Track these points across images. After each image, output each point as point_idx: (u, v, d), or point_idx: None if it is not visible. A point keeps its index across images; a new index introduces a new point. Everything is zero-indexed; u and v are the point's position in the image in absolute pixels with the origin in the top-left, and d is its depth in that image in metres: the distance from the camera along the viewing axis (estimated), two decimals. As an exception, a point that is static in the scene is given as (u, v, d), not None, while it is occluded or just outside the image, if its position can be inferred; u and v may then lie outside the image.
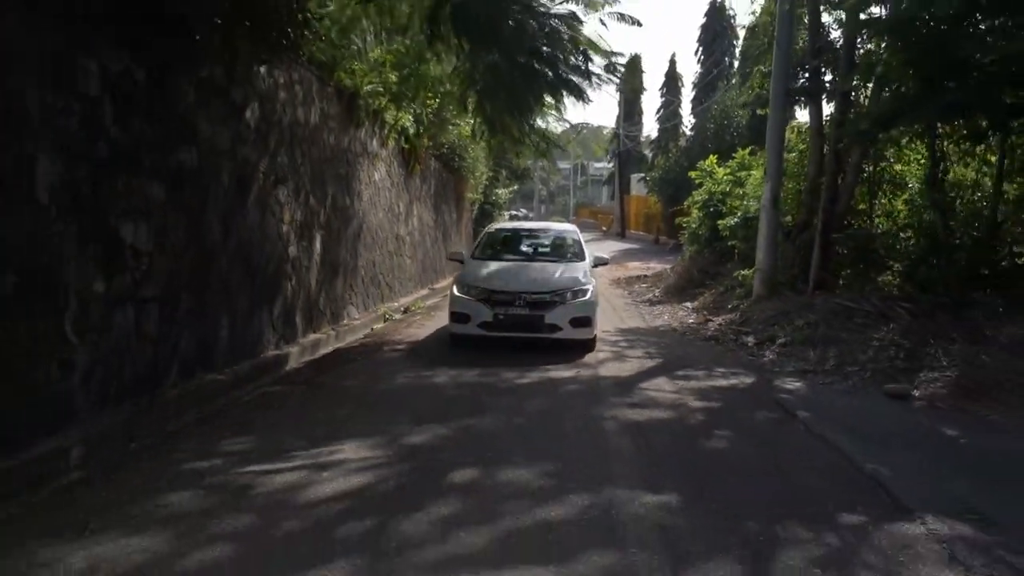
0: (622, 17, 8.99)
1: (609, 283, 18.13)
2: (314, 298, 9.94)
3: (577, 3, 8.31)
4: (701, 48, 37.84)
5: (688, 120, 38.94)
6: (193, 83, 6.88)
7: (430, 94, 14.68)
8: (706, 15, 37.68)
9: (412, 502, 3.94)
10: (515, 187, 35.87)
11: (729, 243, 14.31)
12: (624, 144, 40.40)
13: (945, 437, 5.68)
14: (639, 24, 9.00)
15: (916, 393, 7.04)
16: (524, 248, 10.96)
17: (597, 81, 8.73)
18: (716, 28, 36.41)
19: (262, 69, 8.38)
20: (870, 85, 10.30)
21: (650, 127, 50.86)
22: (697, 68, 38.90)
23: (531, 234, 11.64)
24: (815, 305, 10.17)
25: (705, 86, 33.58)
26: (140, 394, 5.96)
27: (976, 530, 3.79)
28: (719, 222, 14.70)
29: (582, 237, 11.13)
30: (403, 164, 15.69)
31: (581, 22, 8.42)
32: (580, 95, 8.79)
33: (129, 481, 4.44)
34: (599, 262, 10.36)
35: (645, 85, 45.76)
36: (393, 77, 12.67)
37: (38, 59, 4.98)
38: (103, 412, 5.48)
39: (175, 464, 4.65)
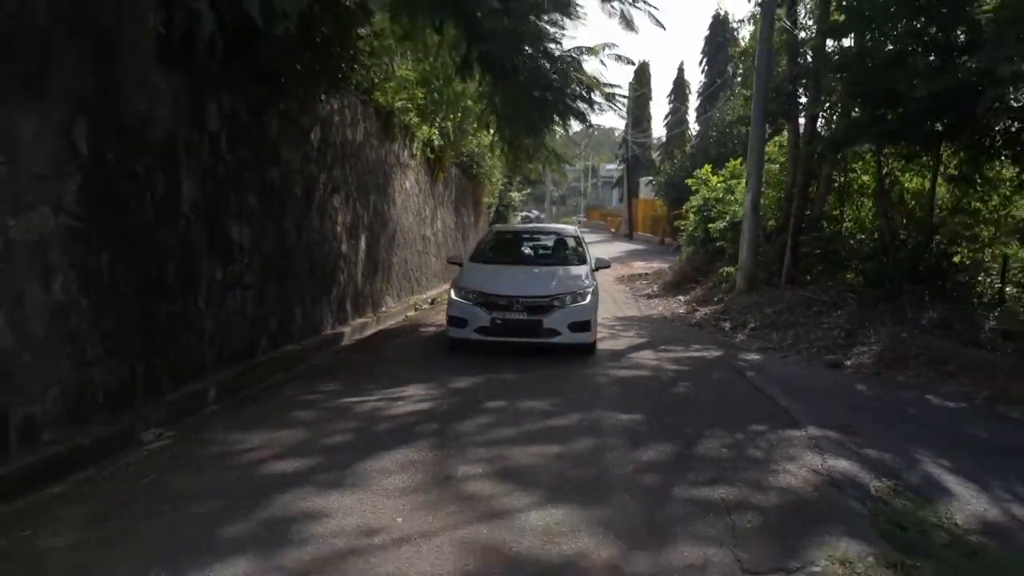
0: (619, 58, 10.92)
1: (614, 280, 19.97)
2: (360, 289, 11.86)
3: (580, 51, 10.16)
4: (705, 59, 39.55)
5: (695, 127, 40.56)
6: (276, 116, 8.79)
7: (452, 110, 16.56)
8: (709, 27, 39.42)
9: (461, 416, 5.83)
10: (528, 191, 37.75)
11: (718, 244, 16.13)
12: (632, 150, 42.09)
13: (854, 390, 7.52)
14: (632, 63, 10.91)
15: (848, 363, 8.87)
16: (524, 251, 10.83)
17: (599, 108, 10.60)
18: (719, 40, 38.14)
19: (322, 98, 10.28)
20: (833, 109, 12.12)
21: (660, 131, 52.55)
22: (701, 78, 40.60)
23: (532, 237, 11.51)
24: (783, 297, 12.00)
25: (709, 95, 35.28)
26: (243, 359, 7.87)
27: (839, 435, 5.62)
28: (710, 225, 16.53)
29: (584, 239, 11.06)
30: (429, 172, 17.61)
31: (583, 60, 10.30)
32: (583, 120, 10.69)
33: (257, 409, 6.36)
34: (600, 265, 10.23)
35: (655, 91, 47.56)
36: (420, 93, 14.55)
37: (182, 107, 6.89)
38: (220, 370, 7.38)
39: (288, 399, 6.57)
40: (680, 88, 46.31)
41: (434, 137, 16.61)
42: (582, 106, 10.53)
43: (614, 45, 13.28)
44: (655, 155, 47.57)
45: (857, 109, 10.21)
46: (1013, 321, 9.02)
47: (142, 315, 6.14)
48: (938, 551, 3.66)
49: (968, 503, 4.49)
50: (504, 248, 10.86)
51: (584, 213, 69.95)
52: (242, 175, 7.97)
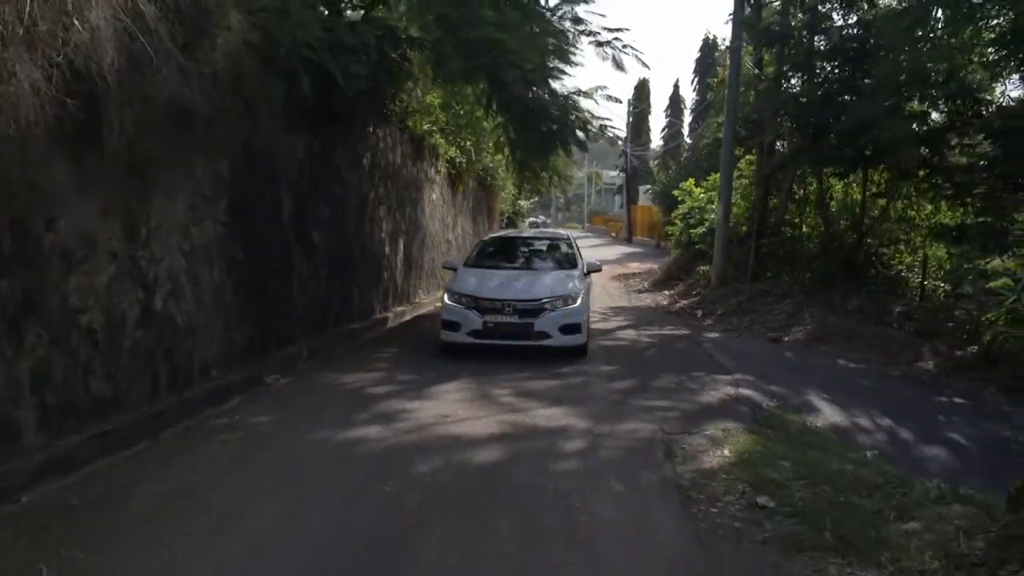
0: (609, 98, 13.26)
1: (611, 278, 22.16)
2: (398, 283, 14.09)
3: (578, 93, 12.42)
4: (696, 79, 41.72)
5: (690, 140, 42.72)
6: (340, 147, 11.00)
7: (471, 131, 18.78)
8: (700, 50, 41.61)
9: (490, 364, 8.07)
10: (535, 199, 40.02)
11: (697, 247, 18.32)
12: (631, 161, 44.26)
13: (782, 356, 9.71)
14: (619, 102, 13.19)
15: (786, 339, 11.05)
16: (516, 256, 10.92)
17: (594, 137, 12.83)
18: (708, 62, 40.33)
19: (372, 130, 12.49)
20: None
21: (660, 142, 54.66)
22: (694, 96, 42.77)
23: (525, 242, 11.64)
24: (746, 290, 14.17)
25: (700, 112, 37.43)
26: (319, 331, 10.07)
27: (755, 379, 7.80)
28: (691, 231, 18.73)
29: (576, 244, 11.34)
30: (451, 185, 19.85)
31: (580, 100, 12.54)
32: (582, 147, 12.92)
33: (342, 363, 8.57)
34: (592, 268, 10.53)
35: (655, 103, 49.73)
36: (443, 116, 16.72)
37: (283, 143, 9.10)
38: (305, 338, 9.58)
39: (363, 357, 8.80)
40: (676, 104, 48.48)
41: (455, 155, 18.86)
42: (580, 135, 12.74)
43: (605, 87, 15.49)
44: (653, 164, 49.76)
45: (796, 138, 12.40)
46: (914, 308, 11.21)
47: (260, 294, 8.37)
48: (787, 431, 5.81)
49: (826, 415, 6.66)
50: (497, 254, 10.94)
51: (587, 218, 71.93)
52: (317, 192, 10.20)
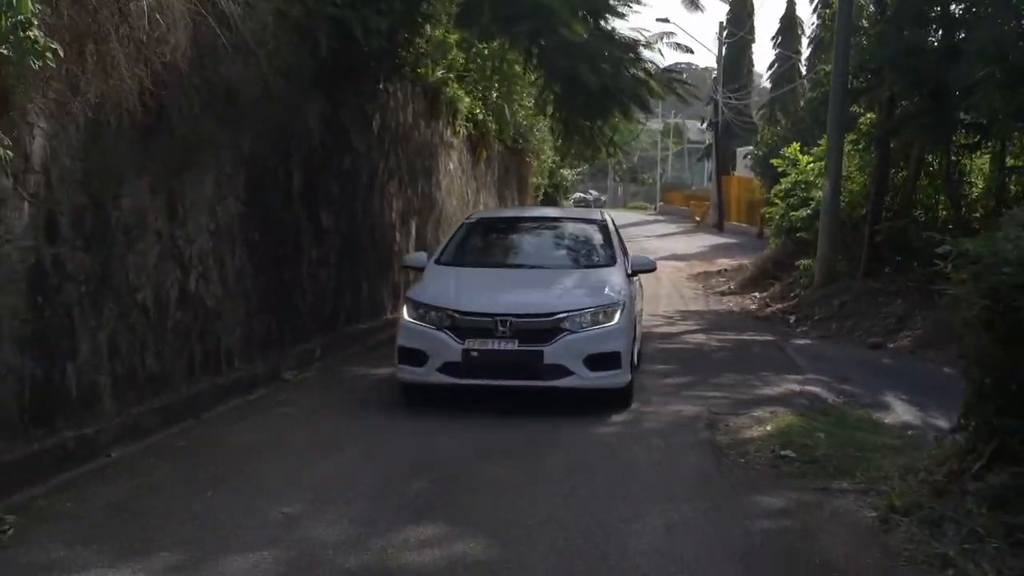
0: (678, 46, 16.22)
1: (686, 277, 25.19)
2: (410, 274, 17.23)
3: (638, 44, 15.46)
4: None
5: (808, 83, 45.16)
6: (349, 108, 14.09)
7: (498, 77, 21.83)
8: (826, -46, 44.19)
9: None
10: (583, 167, 43.03)
11: (799, 235, 21.22)
12: (723, 113, 46.96)
13: (876, 361, 12.62)
14: (690, 51, 16.20)
15: (890, 345, 13.97)
16: (518, 248, 11.30)
17: (663, 91, 15.85)
18: (836, -29, 42.95)
19: (382, 86, 15.58)
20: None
21: (765, 84, 57.38)
22: (814, 19, 45.41)
23: (532, 227, 12.09)
24: (854, 289, 17.10)
25: (821, 43, 39.91)
26: (330, 329, 13.17)
27: (829, 379, 10.71)
28: (792, 214, 21.64)
29: (615, 229, 11.60)
30: (471, 150, 22.98)
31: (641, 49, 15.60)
32: (643, 107, 15.94)
33: (358, 359, 11.67)
34: (641, 267, 10.81)
35: (758, 31, 52.28)
36: (460, 58, 19.57)
37: (292, 110, 12.17)
38: (317, 335, 12.66)
39: (380, 355, 11.85)
40: (789, 29, 51.11)
41: (477, 110, 21.96)
42: (645, 90, 15.77)
43: (672, 34, 18.29)
44: (757, 116, 52.34)
45: (914, 96, 15.36)
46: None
47: (276, 280, 11.47)
48: (841, 418, 8.70)
49: (898, 413, 9.55)
50: (487, 243, 11.45)
51: (660, 195, 74.71)
52: (327, 164, 13.30)
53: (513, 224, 12.20)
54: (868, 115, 20.60)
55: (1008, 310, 5.18)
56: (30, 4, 5.06)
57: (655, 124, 76.79)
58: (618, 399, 9.12)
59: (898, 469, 6.14)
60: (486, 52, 19.81)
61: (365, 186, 14.89)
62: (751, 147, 44.12)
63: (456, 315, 9.02)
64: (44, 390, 7.16)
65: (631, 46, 15.58)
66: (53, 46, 5.53)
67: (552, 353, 8.77)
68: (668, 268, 27.61)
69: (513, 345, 8.81)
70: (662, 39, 17.06)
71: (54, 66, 5.99)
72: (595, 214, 13.22)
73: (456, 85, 20.09)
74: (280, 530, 5.56)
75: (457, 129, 21.18)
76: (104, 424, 7.74)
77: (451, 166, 20.90)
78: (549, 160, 32.35)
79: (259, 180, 11.04)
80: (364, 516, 5.82)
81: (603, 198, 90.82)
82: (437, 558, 5.19)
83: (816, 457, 6.95)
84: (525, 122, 26.65)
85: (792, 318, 16.89)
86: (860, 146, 19.99)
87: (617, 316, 9.13)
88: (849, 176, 20.29)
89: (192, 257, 9.53)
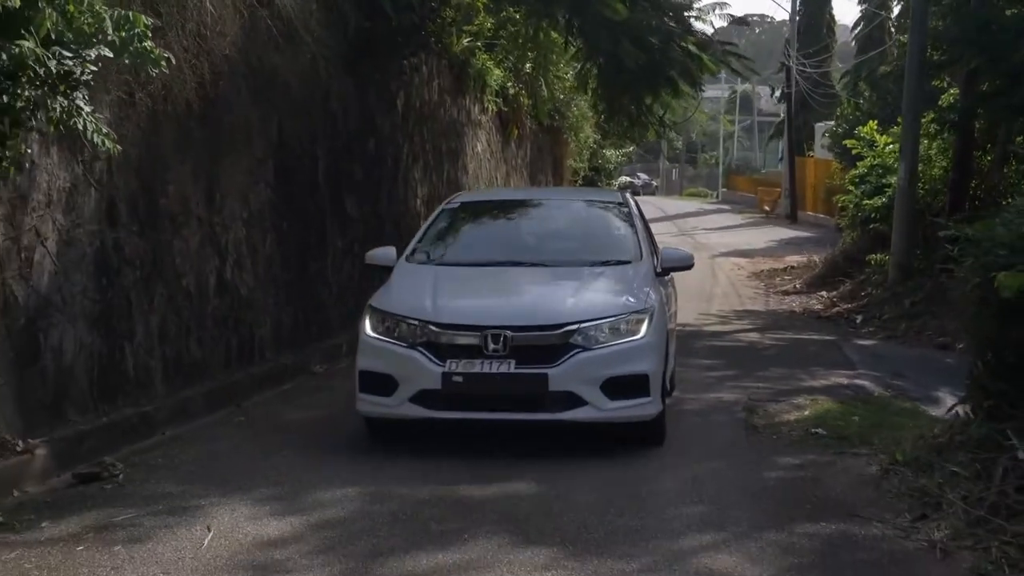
0: (733, 18, 18.43)
1: (748, 276, 27.40)
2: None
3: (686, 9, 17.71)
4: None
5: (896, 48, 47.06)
6: (374, 87, 16.39)
7: (531, 46, 24.06)
8: None
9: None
10: (629, 148, 45.23)
11: (873, 226, 23.32)
12: (797, 83, 48.96)
13: (938, 360, 14.76)
14: (745, 23, 18.39)
15: (960, 346, 16.09)
16: (514, 240, 11.12)
17: (714, 65, 18.10)
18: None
19: (406, 60, 17.85)
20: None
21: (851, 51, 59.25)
22: (908, -31, 47.31)
23: (531, 213, 12.00)
24: (927, 287, 19.24)
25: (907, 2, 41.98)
26: (353, 325, 15.45)
27: (882, 375, 12.85)
28: (866, 202, 23.76)
29: (639, 213, 11.41)
30: (501, 130, 25.28)
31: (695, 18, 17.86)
32: (693, 84, 18.20)
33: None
34: (674, 263, 10.56)
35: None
36: (489, 23, 21.69)
37: (318, 92, 14.43)
38: (343, 332, 14.90)
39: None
40: (879, -20, 52.92)
41: (507, 82, 24.25)
42: (693, 68, 18.02)
43: (726, 4, 20.37)
44: (840, 86, 54.16)
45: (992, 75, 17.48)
46: None
47: (301, 271, 13.75)
48: (884, 406, 10.84)
49: (947, 405, 11.74)
50: (472, 235, 11.46)
51: (722, 179, 76.46)
52: (351, 148, 15.60)
53: (507, 209, 12.02)
54: (951, 91, 22.62)
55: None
56: (143, 19, 7.27)
57: (716, 91, 76.55)
58: (646, 436, 9.10)
59: (912, 436, 8.32)
60: (517, 16, 21.83)
61: (390, 171, 17.19)
62: (831, 122, 45.49)
63: (434, 328, 8.89)
64: (107, 368, 9.44)
65: (681, 17, 17.84)
66: (166, 55, 7.77)
67: (560, 377, 8.61)
68: (728, 265, 29.93)
69: (508, 367, 8.64)
70: (714, 9, 18.81)
71: (167, 72, 8.28)
72: (613, 194, 13.50)
73: (484, 56, 22.35)
74: (356, 475, 7.89)
75: (486, 105, 23.47)
76: (158, 404, 10.01)
77: (479, 148, 23.20)
78: (590, 139, 34.54)
79: (286, 166, 13.33)
80: (430, 463, 8.18)
81: (654, 183, 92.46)
82: (498, 493, 7.51)
83: (846, 435, 9.12)
84: (562, 96, 28.87)
85: (859, 318, 19.01)
86: (939, 127, 22.02)
87: (644, 327, 9.00)
88: (930, 160, 22.31)
89: (228, 244, 11.83)
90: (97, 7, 7.00)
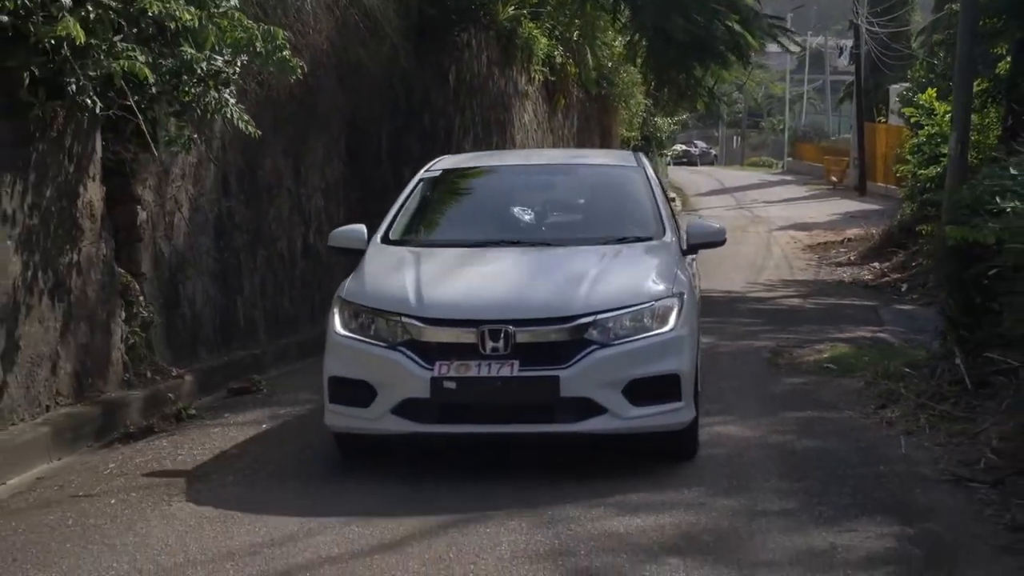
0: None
1: (802, 249, 30.76)
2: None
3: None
4: None
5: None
6: (429, 63, 19.90)
7: (578, 12, 27.48)
8: None
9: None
10: (682, 116, 48.50)
11: (927, 196, 26.59)
12: (867, 45, 51.82)
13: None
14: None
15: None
16: (512, 215, 10.78)
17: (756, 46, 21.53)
18: None
19: (457, 38, 21.33)
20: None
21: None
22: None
23: (531, 182, 11.74)
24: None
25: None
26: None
27: (907, 332, 16.23)
28: (920, 172, 27.04)
29: (656, 181, 11.14)
30: (547, 100, 28.76)
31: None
32: (741, 58, 21.65)
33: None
34: (702, 239, 10.23)
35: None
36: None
37: (382, 74, 17.95)
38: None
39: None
40: (957, -72, 55.78)
41: (553, 50, 27.70)
42: (741, 42, 21.41)
43: None
44: (916, 44, 56.84)
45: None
46: None
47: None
48: (898, 352, 14.21)
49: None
50: (460, 209, 11.27)
51: (788, 148, 78.91)
52: (410, 124, 19.11)
53: (500, 177, 11.86)
54: (1007, 60, 25.67)
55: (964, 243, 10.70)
56: (282, 32, 10.71)
57: (793, 45, 76.93)
58: (676, 448, 8.90)
59: (899, 363, 11.78)
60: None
61: (442, 144, 20.74)
62: (905, 84, 47.86)
63: (419, 324, 8.47)
64: (225, 317, 13.01)
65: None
66: (301, 64, 11.24)
67: (573, 380, 8.22)
68: (784, 239, 33.27)
69: (511, 370, 8.22)
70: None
71: (302, 78, 11.79)
72: (625, 155, 13.16)
73: (531, 25, 25.78)
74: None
75: (532, 75, 26.95)
76: (264, 349, 13.53)
77: (525, 118, 26.73)
78: (640, 107, 37.87)
79: (356, 143, 16.87)
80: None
81: (713, 151, 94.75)
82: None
83: (851, 368, 12.53)
84: (610, 63, 32.23)
85: (904, 287, 22.36)
86: (991, 96, 25.18)
87: (673, 317, 8.66)
88: (985, 129, 25.46)
89: (311, 213, 15.36)
90: (246, 23, 10.43)
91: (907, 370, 11.25)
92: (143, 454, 9.25)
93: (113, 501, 7.85)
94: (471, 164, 12.47)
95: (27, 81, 8.77)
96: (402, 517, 7.41)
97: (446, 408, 8.33)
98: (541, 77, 27.54)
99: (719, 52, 21.17)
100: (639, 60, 23.84)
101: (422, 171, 11.44)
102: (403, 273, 9.14)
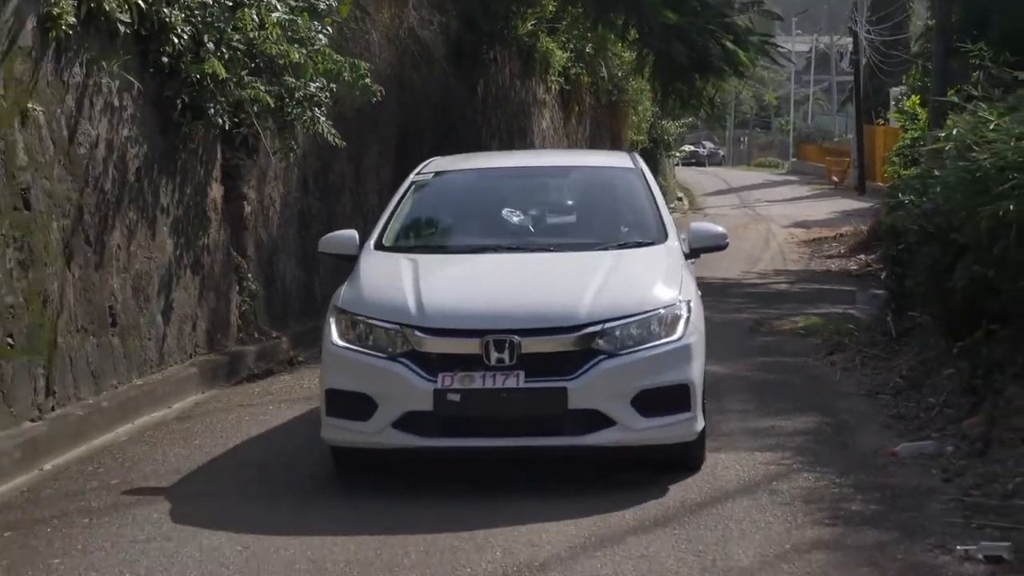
0: (767, 12, 25.08)
1: (797, 243, 33.88)
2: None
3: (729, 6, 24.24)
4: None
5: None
6: (460, 80, 23.13)
7: (590, 25, 30.60)
8: None
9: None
10: (688, 119, 51.39)
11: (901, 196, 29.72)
12: (866, 51, 54.48)
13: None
14: (779, 18, 25.10)
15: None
16: (509, 219, 10.55)
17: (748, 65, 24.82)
18: None
19: (487, 54, 24.56)
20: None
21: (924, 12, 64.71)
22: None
23: (528, 184, 11.52)
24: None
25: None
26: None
27: (873, 308, 19.45)
28: (903, 172, 30.14)
29: (652, 181, 10.98)
30: (563, 108, 31.96)
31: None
32: (739, 72, 24.91)
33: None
34: (705, 243, 10.24)
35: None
36: (551, 6, 28.18)
37: (423, 87, 21.16)
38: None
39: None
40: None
41: (568, 62, 30.89)
42: (736, 60, 24.60)
43: (761, 3, 26.26)
44: (915, 47, 59.42)
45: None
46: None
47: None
48: (858, 323, 17.36)
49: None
50: (456, 213, 11.04)
51: (793, 149, 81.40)
52: (448, 132, 22.32)
53: (495, 178, 11.64)
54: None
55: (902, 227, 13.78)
56: (364, 64, 13.90)
57: (789, 43, 78.65)
58: (683, 459, 8.80)
59: (851, 326, 15.01)
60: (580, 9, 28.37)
61: (472, 149, 23.64)
62: (904, 87, 50.31)
63: (421, 334, 8.35)
64: (306, 294, 16.21)
65: (720, 20, 24.39)
66: (380, 89, 14.43)
67: (582, 391, 8.17)
68: (783, 235, 36.38)
69: (517, 381, 8.14)
70: (753, 5, 25.64)
71: (382, 100, 14.99)
72: (621, 156, 13.12)
73: (548, 39, 28.94)
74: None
75: (549, 85, 30.10)
76: (295, 330, 16.67)
77: (543, 125, 29.93)
78: (648, 112, 40.98)
79: (403, 150, 20.04)
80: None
81: (721, 152, 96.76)
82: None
83: (820, 331, 15.66)
84: (620, 72, 35.35)
85: (884, 274, 25.47)
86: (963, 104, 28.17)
87: (681, 326, 8.58)
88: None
89: (368, 209, 18.53)
90: (336, 57, 13.56)
91: (852, 328, 14.53)
92: (275, 385, 12.75)
93: (270, 407, 11.41)
94: (465, 166, 12.26)
95: (179, 107, 11.92)
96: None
97: (450, 421, 8.22)
98: (557, 87, 30.59)
99: (716, 67, 24.34)
100: (647, 71, 26.97)
101: (413, 174, 11.31)
102: (402, 281, 8.92)
